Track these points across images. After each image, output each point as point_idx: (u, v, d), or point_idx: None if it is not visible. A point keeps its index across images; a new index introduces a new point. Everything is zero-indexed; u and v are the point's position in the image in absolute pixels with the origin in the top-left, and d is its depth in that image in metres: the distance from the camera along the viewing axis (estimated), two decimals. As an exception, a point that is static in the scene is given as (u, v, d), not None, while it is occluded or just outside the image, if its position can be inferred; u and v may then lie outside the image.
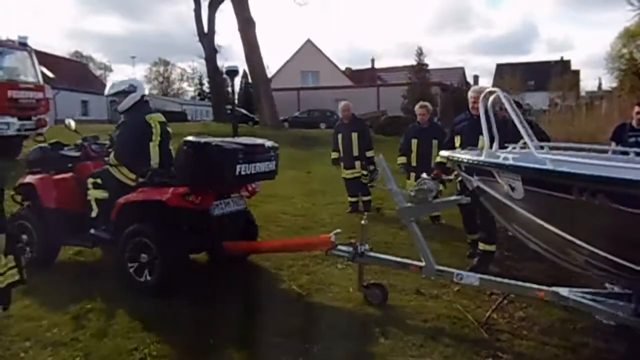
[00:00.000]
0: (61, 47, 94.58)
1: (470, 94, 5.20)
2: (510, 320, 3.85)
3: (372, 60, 54.81)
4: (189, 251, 4.45)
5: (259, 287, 4.56)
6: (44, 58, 40.34)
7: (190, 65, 76.05)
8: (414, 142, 7.11)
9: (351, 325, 3.79)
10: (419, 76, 32.66)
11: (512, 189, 3.25)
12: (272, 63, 64.61)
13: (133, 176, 4.47)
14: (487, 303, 4.07)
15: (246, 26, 26.18)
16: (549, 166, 3.03)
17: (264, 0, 70.62)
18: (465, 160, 3.67)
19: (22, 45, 12.79)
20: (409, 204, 4.00)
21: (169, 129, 4.86)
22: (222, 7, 31.77)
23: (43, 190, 4.77)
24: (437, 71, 40.44)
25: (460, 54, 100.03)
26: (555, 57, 69.43)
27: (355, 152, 7.67)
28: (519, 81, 45.43)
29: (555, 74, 46.47)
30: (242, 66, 35.00)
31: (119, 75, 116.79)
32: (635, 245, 2.81)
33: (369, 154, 7.66)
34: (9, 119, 10.79)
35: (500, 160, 3.37)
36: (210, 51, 32.60)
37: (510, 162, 3.31)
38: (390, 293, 4.25)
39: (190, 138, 4.26)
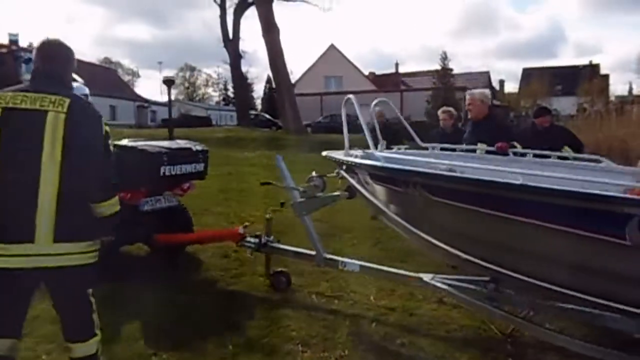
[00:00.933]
0: (91, 54, 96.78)
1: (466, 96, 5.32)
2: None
3: (396, 65, 54.58)
4: (119, 243, 4.65)
5: (279, 294, 4.55)
6: (77, 64, 41.36)
7: (215, 70, 77.13)
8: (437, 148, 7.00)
9: (372, 334, 3.77)
10: (443, 81, 32.47)
11: (367, 183, 3.74)
12: (296, 68, 65.00)
13: None
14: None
15: (270, 32, 26.39)
16: (380, 163, 3.44)
17: (288, 6, 71.18)
18: (335, 160, 4.15)
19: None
20: (301, 199, 4.35)
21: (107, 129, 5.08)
22: (247, 13, 32.15)
23: None
24: (461, 76, 40.14)
25: (486, 58, 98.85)
26: (583, 61, 68.23)
27: None
28: (546, 86, 44.66)
29: (584, 79, 45.50)
30: (266, 72, 35.31)
31: (147, 80, 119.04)
32: (454, 232, 3.20)
33: None
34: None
35: (350, 159, 3.81)
36: (235, 57, 32.96)
37: (356, 160, 3.76)
38: (413, 302, 4.22)
39: (121, 142, 4.79)
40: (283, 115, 28.92)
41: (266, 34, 26.44)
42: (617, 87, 60.20)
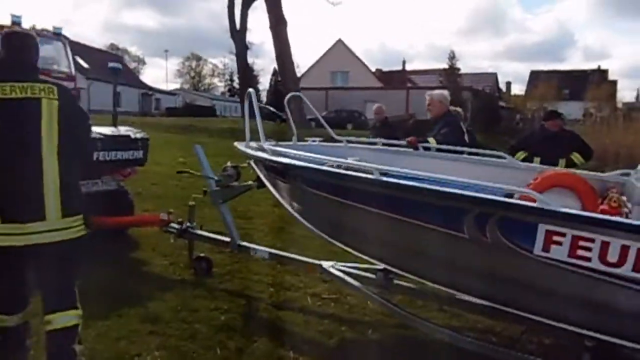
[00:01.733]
0: (99, 40, 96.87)
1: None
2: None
3: (403, 62, 54.38)
4: None
5: (276, 296, 4.38)
6: (80, 48, 41.40)
7: (221, 61, 77.12)
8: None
9: (368, 342, 3.63)
10: (450, 80, 32.21)
11: (263, 174, 3.95)
12: (302, 62, 64.82)
13: None
14: (513, 325, 3.83)
15: (278, 24, 26.22)
16: (265, 155, 3.59)
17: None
18: (240, 151, 4.14)
19: (57, 35, 12.98)
20: (217, 188, 4.50)
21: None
22: (255, 4, 31.87)
23: None
24: (469, 76, 39.91)
25: (494, 59, 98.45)
26: (591, 65, 67.68)
27: None
28: (554, 89, 44.36)
29: (592, 84, 45.22)
30: (272, 64, 35.13)
31: (152, 68, 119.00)
32: (328, 222, 3.40)
33: None
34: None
35: (247, 150, 3.91)
36: (242, 48, 32.74)
37: (249, 151, 3.88)
38: (412, 308, 4.01)
39: None
40: (288, 109, 28.77)
41: (274, 26, 26.27)
42: (625, 94, 60.04)
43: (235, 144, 4.22)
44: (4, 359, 2.75)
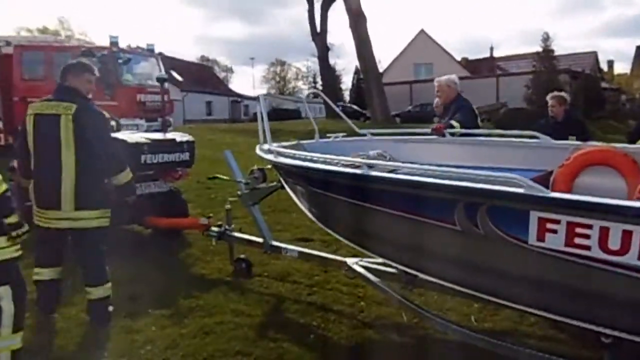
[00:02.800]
0: (191, 53, 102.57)
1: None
2: None
3: (491, 49, 51.64)
4: (114, 223, 4.96)
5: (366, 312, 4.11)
6: (175, 63, 44.03)
7: (304, 64, 78.16)
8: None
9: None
10: (545, 63, 30.01)
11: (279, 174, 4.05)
12: (384, 57, 64.03)
13: None
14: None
15: (357, 21, 26.03)
16: (269, 157, 3.73)
17: (376, -6, 70.05)
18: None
19: (150, 51, 13.83)
20: (246, 191, 4.62)
21: (114, 124, 5.73)
22: (334, 5, 31.99)
23: None
24: (565, 57, 36.97)
25: (591, 37, 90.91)
26: None
27: None
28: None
29: None
30: (354, 63, 35.01)
31: (240, 76, 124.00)
32: (330, 218, 3.45)
33: None
34: (138, 121, 11.67)
35: (260, 152, 4.02)
36: (323, 50, 33.02)
37: (259, 153, 4.02)
38: (524, 326, 3.64)
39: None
40: (371, 106, 28.48)
41: (353, 23, 26.13)
42: None
43: (257, 147, 4.22)
44: (38, 306, 3.56)
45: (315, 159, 3.36)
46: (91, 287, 3.50)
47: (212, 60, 69.53)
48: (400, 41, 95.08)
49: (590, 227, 2.13)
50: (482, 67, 44.73)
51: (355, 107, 38.68)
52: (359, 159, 3.07)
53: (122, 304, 3.86)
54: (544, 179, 2.89)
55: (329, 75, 35.53)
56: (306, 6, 32.94)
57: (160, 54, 18.08)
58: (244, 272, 4.71)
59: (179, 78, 41.64)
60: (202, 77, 49.60)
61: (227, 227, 4.83)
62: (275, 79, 73.90)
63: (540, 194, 2.22)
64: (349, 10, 26.42)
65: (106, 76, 11.90)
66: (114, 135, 5.21)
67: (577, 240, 2.17)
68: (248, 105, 53.23)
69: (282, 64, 73.66)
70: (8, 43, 12.79)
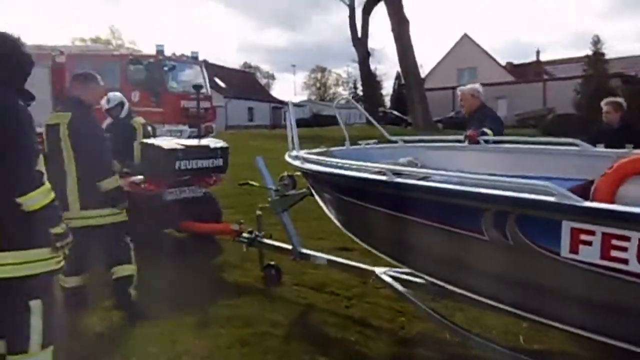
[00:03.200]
0: (234, 60, 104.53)
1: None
2: None
3: (537, 53, 50.49)
4: (150, 228, 5.30)
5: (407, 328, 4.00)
6: (218, 70, 44.98)
7: (345, 70, 78.31)
8: (600, 147, 5.74)
9: None
10: (595, 67, 28.86)
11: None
12: (426, 62, 63.12)
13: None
14: None
15: (399, 26, 25.81)
16: (296, 163, 3.75)
17: (418, -1, 69.38)
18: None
19: (194, 59, 14.13)
20: (276, 198, 4.60)
21: (150, 130, 6.11)
22: (375, 10, 31.86)
23: None
24: (617, 61, 35.45)
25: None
26: None
27: None
28: None
29: None
30: (395, 68, 34.77)
31: (281, 83, 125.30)
32: (357, 226, 3.43)
33: None
34: (181, 127, 11.92)
35: (288, 158, 4.04)
36: (364, 55, 32.91)
37: (288, 159, 4.01)
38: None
39: (144, 140, 5.49)
40: (412, 112, 28.11)
41: (395, 28, 25.91)
42: None
43: (287, 153, 4.20)
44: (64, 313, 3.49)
45: (340, 165, 3.32)
46: (115, 267, 3.90)
47: (255, 68, 70.89)
48: (442, 46, 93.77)
49: (627, 239, 1.97)
50: (528, 72, 43.49)
51: (396, 113, 38.36)
52: (383, 165, 3.02)
53: (161, 311, 3.90)
54: (584, 189, 2.77)
55: (370, 80, 35.37)
56: (347, 11, 32.99)
57: (204, 61, 18.45)
58: (273, 279, 4.67)
59: (222, 85, 42.44)
60: (245, 84, 50.41)
61: (257, 233, 4.80)
62: (316, 85, 74.47)
63: (574, 203, 2.08)
64: (391, 14, 26.23)
65: (152, 83, 12.27)
66: (147, 141, 5.49)
67: (614, 253, 2.01)
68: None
69: (323, 70, 74.21)
70: (61, 53, 13.36)
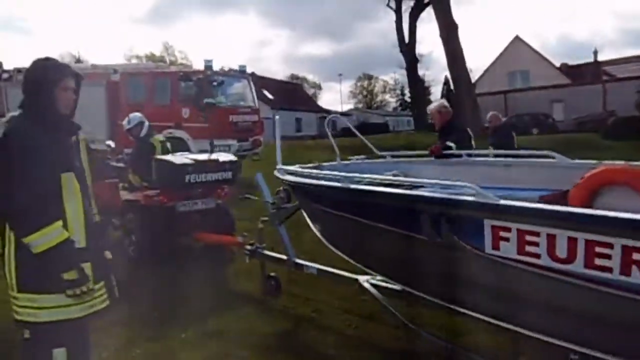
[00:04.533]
0: (281, 72, 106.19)
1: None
2: None
3: (595, 53, 47.72)
4: (164, 237, 5.77)
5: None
6: (266, 82, 45.70)
7: (392, 76, 77.73)
8: None
9: None
10: (659, 66, 27.18)
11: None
12: (476, 66, 61.51)
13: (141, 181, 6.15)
14: None
15: (448, 31, 25.28)
16: (279, 175, 4.13)
17: (467, 1, 68.14)
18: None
19: (241, 73, 14.28)
20: (274, 211, 4.78)
21: (169, 146, 6.59)
22: (422, 15, 31.44)
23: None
24: (684, 58, 33.30)
25: None
26: None
27: None
28: None
29: None
30: (444, 73, 34.12)
31: (328, 92, 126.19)
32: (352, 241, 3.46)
33: None
34: (230, 141, 12.01)
35: (277, 173, 4.24)
36: (411, 61, 32.52)
37: (276, 173, 4.24)
38: None
39: (158, 156, 6.05)
40: (462, 117, 27.41)
41: (444, 33, 25.40)
42: None
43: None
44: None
45: (313, 175, 3.71)
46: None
47: (302, 78, 71.48)
48: (493, 49, 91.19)
49: (538, 234, 2.12)
50: (585, 73, 41.46)
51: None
52: (341, 174, 3.31)
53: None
54: (560, 198, 2.87)
55: (418, 86, 34.84)
56: (393, 17, 32.73)
57: (252, 74, 18.70)
58: (273, 290, 4.85)
59: (270, 96, 43.01)
60: (292, 94, 50.88)
61: (258, 245, 4.98)
62: (363, 93, 74.16)
63: (490, 201, 2.25)
64: (440, 19, 25.74)
65: (201, 99, 12.46)
66: (160, 157, 6.02)
67: (528, 248, 2.17)
68: (336, 121, 53.71)
69: (370, 77, 73.90)
70: (115, 71, 13.86)
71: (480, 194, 2.28)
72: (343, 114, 59.40)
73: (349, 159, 4.99)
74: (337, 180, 3.18)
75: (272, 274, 4.89)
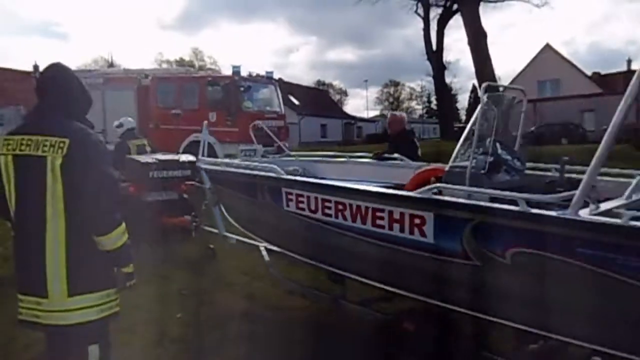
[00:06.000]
0: (308, 78, 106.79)
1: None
2: None
3: (628, 62, 46.74)
4: (131, 222, 5.92)
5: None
6: (293, 88, 45.94)
7: (418, 84, 77.31)
8: None
9: None
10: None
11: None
12: (504, 74, 60.72)
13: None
14: None
15: (476, 39, 25.06)
16: (201, 165, 5.25)
17: (495, 8, 67.32)
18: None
19: (268, 79, 14.42)
20: (210, 195, 5.48)
21: (147, 149, 7.88)
22: (450, 22, 31.21)
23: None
24: None
25: None
26: None
27: None
28: None
29: None
30: (471, 81, 33.81)
31: (353, 98, 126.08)
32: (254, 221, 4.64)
33: None
34: (255, 146, 12.10)
35: (198, 164, 5.47)
36: (439, 68, 32.27)
37: (200, 164, 5.38)
38: None
39: (128, 156, 7.38)
40: (490, 126, 27.05)
41: (472, 41, 25.18)
42: None
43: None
44: None
45: (216, 164, 5.14)
46: None
47: (328, 84, 71.66)
48: (522, 56, 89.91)
49: (304, 196, 3.62)
50: (617, 82, 40.43)
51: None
52: (224, 160, 5.49)
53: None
54: (397, 189, 3.58)
55: (445, 94, 34.54)
56: (421, 24, 32.57)
57: (279, 80, 18.84)
58: (209, 256, 6.60)
59: (296, 102, 43.26)
60: (318, 100, 51.06)
61: (200, 222, 6.67)
62: (389, 100, 73.91)
63: (282, 177, 3.88)
64: (468, 27, 25.52)
65: (228, 104, 12.63)
66: (131, 156, 7.32)
67: (301, 205, 3.65)
68: (362, 127, 53.67)
69: (396, 84, 73.61)
70: (146, 75, 14.17)
71: (280, 174, 3.88)
72: (369, 120, 59.31)
73: (267, 157, 6.72)
74: (224, 166, 4.87)
75: (211, 245, 6.56)
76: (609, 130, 2.31)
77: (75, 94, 2.45)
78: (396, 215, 2.96)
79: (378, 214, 3.06)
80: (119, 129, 7.97)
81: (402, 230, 2.93)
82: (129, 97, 13.83)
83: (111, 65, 43.29)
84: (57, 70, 2.47)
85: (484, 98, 3.30)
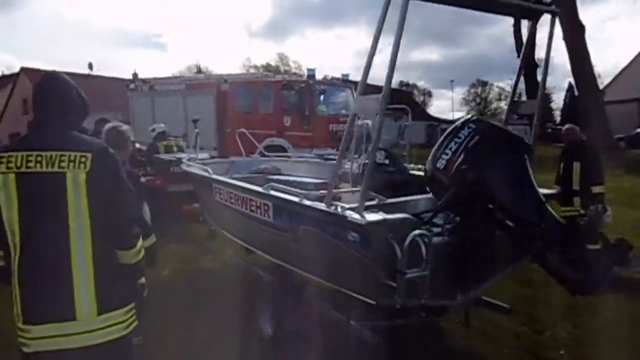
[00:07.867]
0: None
1: None
2: None
3: None
4: (159, 210, 7.15)
5: None
6: (374, 90, 45.25)
7: (508, 83, 73.37)
8: None
9: None
10: None
11: None
12: (605, 70, 55.92)
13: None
14: None
15: (574, 33, 23.11)
16: (185, 167, 6.28)
17: (594, 3, 62.28)
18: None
19: (344, 82, 14.13)
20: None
21: (175, 149, 9.63)
22: (543, 18, 29.17)
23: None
24: None
25: None
26: None
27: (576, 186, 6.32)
28: None
29: None
30: (566, 79, 31.43)
31: (438, 99, 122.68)
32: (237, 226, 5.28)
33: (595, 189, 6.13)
34: (329, 150, 11.86)
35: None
36: (530, 66, 30.27)
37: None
38: None
39: (156, 155, 9.33)
40: (588, 128, 24.86)
41: (568, 35, 23.25)
42: None
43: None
44: None
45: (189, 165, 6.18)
46: None
47: (412, 85, 70.10)
48: (626, 52, 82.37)
49: (224, 191, 4.97)
50: None
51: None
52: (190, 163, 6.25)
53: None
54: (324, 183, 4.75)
55: (536, 94, 32.37)
56: (510, 21, 30.75)
57: (356, 83, 18.49)
58: (212, 236, 7.84)
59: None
60: (401, 102, 49.75)
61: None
62: (476, 101, 70.90)
63: (212, 176, 5.27)
64: (565, 21, 23.64)
65: (302, 108, 12.51)
66: (157, 155, 9.36)
67: (217, 197, 5.08)
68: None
69: (484, 84, 70.25)
70: (226, 81, 14.44)
71: (210, 173, 5.30)
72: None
73: (251, 156, 8.16)
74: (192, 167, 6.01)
75: (213, 227, 7.21)
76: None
77: (77, 105, 2.33)
78: (258, 203, 4.28)
79: (251, 201, 4.39)
80: (152, 133, 9.94)
81: (261, 213, 4.24)
82: (209, 102, 14.18)
83: (199, 71, 45.33)
84: (56, 81, 2.31)
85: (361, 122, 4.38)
